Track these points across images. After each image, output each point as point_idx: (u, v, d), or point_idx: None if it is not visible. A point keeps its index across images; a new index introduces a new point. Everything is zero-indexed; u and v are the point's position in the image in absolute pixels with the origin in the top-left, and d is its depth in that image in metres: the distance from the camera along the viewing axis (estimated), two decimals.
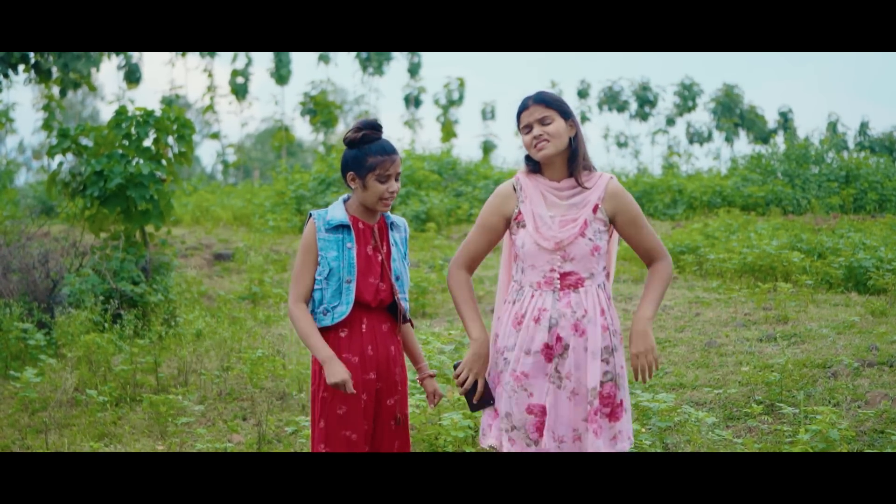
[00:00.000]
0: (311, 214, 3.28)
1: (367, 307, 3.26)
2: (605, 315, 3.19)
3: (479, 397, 3.26)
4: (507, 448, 3.21)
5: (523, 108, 3.22)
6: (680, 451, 4.64)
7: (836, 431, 4.21)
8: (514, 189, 3.26)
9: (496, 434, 3.25)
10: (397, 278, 3.30)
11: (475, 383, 3.26)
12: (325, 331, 3.25)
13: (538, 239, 3.18)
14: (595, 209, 3.19)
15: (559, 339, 3.16)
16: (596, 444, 3.11)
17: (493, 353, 3.28)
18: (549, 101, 3.20)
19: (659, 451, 4.54)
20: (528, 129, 3.21)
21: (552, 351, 3.17)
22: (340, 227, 3.24)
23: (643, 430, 4.59)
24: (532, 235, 3.19)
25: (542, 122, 3.18)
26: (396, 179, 3.24)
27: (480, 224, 3.29)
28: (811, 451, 4.16)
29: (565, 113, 3.20)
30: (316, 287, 3.25)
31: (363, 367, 3.24)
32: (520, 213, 3.23)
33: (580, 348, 3.15)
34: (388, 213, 3.35)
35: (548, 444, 3.15)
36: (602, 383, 3.14)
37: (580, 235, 3.16)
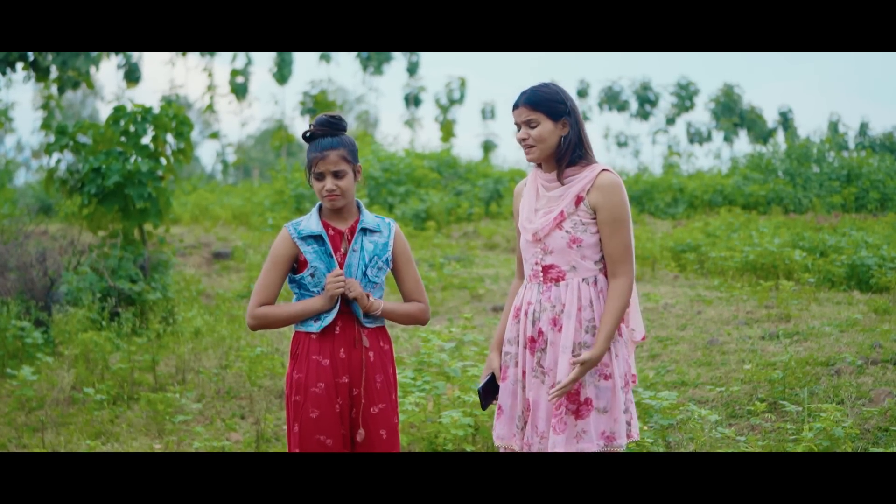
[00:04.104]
0: (285, 227, 3.23)
1: (341, 311, 3.18)
2: (585, 311, 3.09)
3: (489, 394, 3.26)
4: (517, 448, 3.17)
5: (514, 106, 3.14)
6: (683, 448, 4.60)
7: (840, 429, 4.16)
8: (524, 186, 3.26)
9: (506, 433, 3.21)
10: None
11: (490, 384, 3.25)
12: (302, 333, 3.19)
13: (523, 231, 3.19)
14: (578, 201, 3.08)
15: (541, 333, 3.12)
16: (555, 439, 3.03)
17: (504, 346, 3.27)
18: (535, 103, 3.09)
19: (661, 449, 4.50)
20: (518, 127, 3.15)
21: (535, 345, 3.13)
22: (315, 238, 3.18)
23: (645, 427, 4.55)
24: (521, 229, 3.20)
25: (528, 124, 3.10)
26: (336, 177, 3.14)
27: (515, 225, 3.30)
28: (815, 448, 4.11)
29: (555, 113, 3.08)
30: (309, 296, 3.19)
31: (334, 370, 3.15)
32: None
33: (558, 343, 3.09)
34: (365, 216, 3.23)
35: (530, 439, 3.11)
36: None
37: (556, 228, 3.09)
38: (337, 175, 3.16)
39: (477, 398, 3.33)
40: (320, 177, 3.16)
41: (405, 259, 3.29)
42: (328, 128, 3.19)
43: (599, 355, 3.02)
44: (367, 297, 3.17)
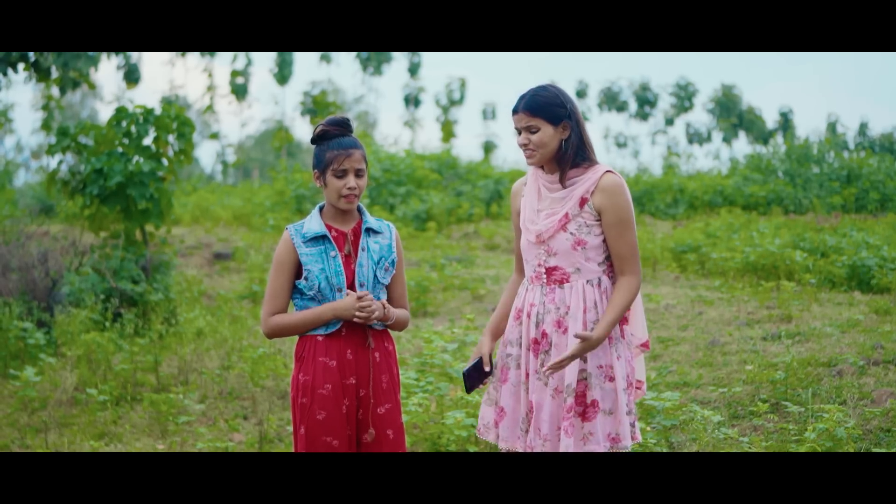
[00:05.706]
0: (287, 229, 3.22)
1: None
2: (590, 312, 3.09)
3: (476, 379, 3.25)
4: (520, 450, 3.17)
5: (513, 111, 3.13)
6: (685, 449, 4.60)
7: (842, 430, 4.17)
8: (524, 185, 3.25)
9: (509, 435, 3.22)
10: (361, 285, 3.18)
11: (477, 367, 3.23)
12: (308, 336, 3.18)
13: (524, 232, 3.18)
14: (582, 203, 3.09)
15: (545, 335, 3.12)
16: (566, 442, 3.04)
17: (501, 347, 3.26)
18: (534, 109, 3.08)
19: (664, 449, 4.51)
20: (518, 132, 3.15)
21: (539, 346, 3.13)
22: (318, 238, 3.17)
23: (648, 428, 4.56)
24: (522, 229, 3.19)
25: (528, 130, 3.10)
26: (358, 176, 3.15)
27: (513, 223, 3.29)
28: (818, 449, 4.12)
29: (554, 117, 3.08)
30: (310, 302, 3.18)
31: (342, 371, 3.15)
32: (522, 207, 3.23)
33: (562, 345, 3.09)
34: (368, 217, 3.25)
35: (533, 443, 3.10)
36: (577, 381, 3.07)
37: (561, 230, 3.09)
38: (359, 174, 3.16)
39: (464, 383, 3.32)
40: (342, 174, 3.14)
41: (401, 263, 3.31)
42: (343, 128, 3.20)
43: (598, 339, 3.02)
44: (383, 305, 3.16)
